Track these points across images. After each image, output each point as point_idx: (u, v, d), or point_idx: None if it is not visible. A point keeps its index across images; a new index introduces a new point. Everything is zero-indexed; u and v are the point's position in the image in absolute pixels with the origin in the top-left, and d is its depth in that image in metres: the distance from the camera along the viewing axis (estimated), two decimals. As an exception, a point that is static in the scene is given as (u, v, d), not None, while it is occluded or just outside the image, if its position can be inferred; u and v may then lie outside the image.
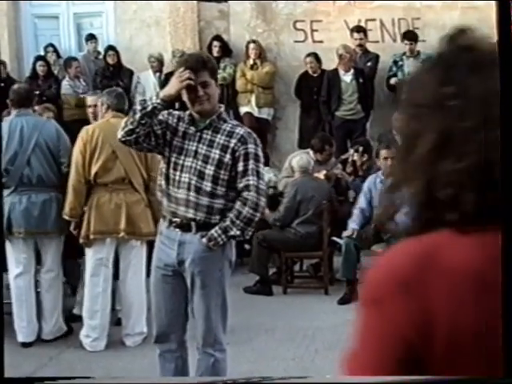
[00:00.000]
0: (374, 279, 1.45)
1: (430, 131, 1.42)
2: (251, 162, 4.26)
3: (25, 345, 6.18)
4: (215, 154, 4.25)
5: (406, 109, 1.51)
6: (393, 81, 10.41)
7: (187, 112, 4.34)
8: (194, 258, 4.27)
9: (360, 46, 10.73)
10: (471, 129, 1.39)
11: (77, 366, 5.76)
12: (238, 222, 4.23)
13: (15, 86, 6.68)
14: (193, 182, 4.25)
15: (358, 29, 10.83)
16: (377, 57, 10.72)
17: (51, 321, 6.29)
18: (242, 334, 6.40)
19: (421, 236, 1.44)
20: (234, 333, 6.45)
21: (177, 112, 4.39)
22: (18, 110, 6.26)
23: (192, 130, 4.31)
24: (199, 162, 4.26)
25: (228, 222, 4.23)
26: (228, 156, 4.24)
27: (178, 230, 4.30)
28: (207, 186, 4.23)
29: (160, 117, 4.25)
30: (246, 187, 4.23)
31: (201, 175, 4.24)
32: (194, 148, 4.28)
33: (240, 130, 4.37)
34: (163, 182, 4.36)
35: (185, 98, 4.27)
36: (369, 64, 10.66)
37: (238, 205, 4.24)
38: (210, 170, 4.24)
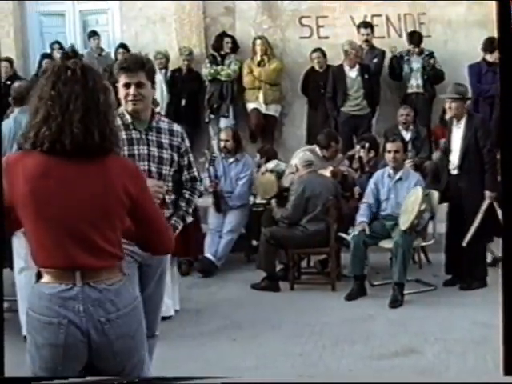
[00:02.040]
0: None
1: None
2: (190, 155, 4.61)
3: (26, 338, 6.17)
4: (167, 154, 4.40)
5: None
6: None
7: (119, 121, 4.33)
8: None
9: (366, 41, 10.71)
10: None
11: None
12: (190, 209, 4.59)
13: (16, 84, 6.68)
14: None
15: (365, 24, 10.81)
16: (383, 53, 10.71)
17: None
18: (249, 330, 6.41)
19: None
20: (241, 328, 6.48)
21: None
22: (21, 108, 6.25)
23: (137, 134, 4.35)
24: (155, 164, 4.37)
25: (183, 211, 4.54)
26: (175, 154, 4.45)
27: None
28: (166, 185, 4.41)
29: None
30: (194, 178, 4.59)
31: (160, 176, 4.38)
32: (146, 152, 4.35)
33: (177, 127, 4.53)
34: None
35: (120, 95, 4.32)
36: (375, 60, 10.64)
37: (188, 194, 4.58)
38: (166, 170, 4.41)
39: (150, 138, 4.36)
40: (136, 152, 4.31)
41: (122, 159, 3.12)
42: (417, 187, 7.41)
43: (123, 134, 4.26)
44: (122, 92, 4.28)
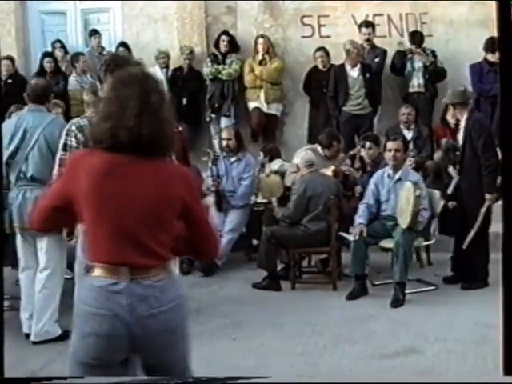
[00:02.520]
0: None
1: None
2: None
3: (28, 336, 6.20)
4: None
5: None
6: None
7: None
8: None
9: (368, 40, 10.71)
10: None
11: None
12: None
13: (33, 81, 6.71)
14: None
15: (367, 24, 10.81)
16: (384, 52, 10.70)
17: (40, 322, 6.13)
18: (249, 329, 6.40)
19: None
20: (241, 328, 6.47)
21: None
22: (30, 106, 6.27)
23: None
24: None
25: None
26: None
27: None
28: None
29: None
30: None
31: None
32: None
33: None
34: None
35: None
36: (377, 59, 10.64)
37: None
38: None
39: None
40: None
41: (176, 165, 3.46)
42: (405, 183, 7.36)
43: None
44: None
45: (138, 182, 3.07)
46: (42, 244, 6.17)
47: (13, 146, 6.10)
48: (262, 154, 9.48)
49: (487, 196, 7.24)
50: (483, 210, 7.27)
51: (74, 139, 4.80)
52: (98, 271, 3.10)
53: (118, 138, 3.05)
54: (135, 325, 3.06)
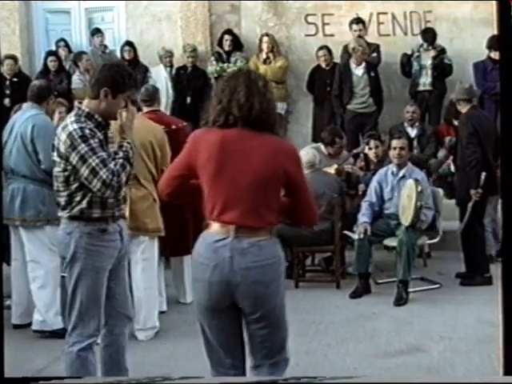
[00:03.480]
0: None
1: None
2: None
3: (15, 326, 6.34)
4: None
5: None
6: None
7: (88, 121, 4.31)
8: None
9: (359, 37, 10.70)
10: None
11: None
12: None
13: (33, 82, 6.91)
14: None
15: (357, 20, 10.83)
16: (378, 46, 10.71)
17: (37, 314, 6.25)
18: (253, 328, 6.39)
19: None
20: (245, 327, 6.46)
21: (86, 128, 4.30)
22: (27, 105, 6.41)
23: (103, 134, 4.37)
24: None
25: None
26: None
27: None
28: None
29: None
30: None
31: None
32: (113, 149, 4.37)
33: None
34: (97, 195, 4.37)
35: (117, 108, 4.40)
36: (374, 54, 10.65)
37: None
38: None
39: (115, 148, 4.42)
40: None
41: (280, 140, 3.80)
42: (408, 181, 7.37)
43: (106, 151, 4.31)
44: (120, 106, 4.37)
45: (249, 154, 3.56)
46: (29, 236, 6.24)
47: (3, 141, 6.24)
48: None
49: (471, 191, 7.29)
50: (470, 204, 7.33)
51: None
52: (211, 228, 3.65)
53: (230, 115, 3.56)
54: (234, 275, 3.58)
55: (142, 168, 6.03)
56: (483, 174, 7.21)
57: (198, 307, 3.76)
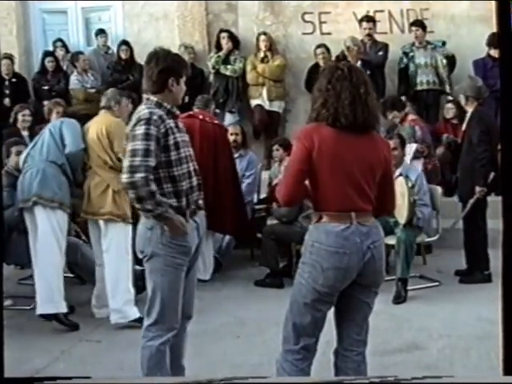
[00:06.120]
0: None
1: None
2: None
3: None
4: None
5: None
6: None
7: (158, 108, 4.35)
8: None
9: (369, 35, 10.71)
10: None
11: (88, 359, 5.75)
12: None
13: None
14: (195, 168, 4.50)
15: (368, 18, 10.81)
16: (386, 45, 10.70)
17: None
18: (253, 327, 6.41)
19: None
20: (245, 325, 6.48)
21: (156, 113, 4.33)
22: None
23: (182, 136, 4.41)
24: (190, 148, 4.50)
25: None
26: None
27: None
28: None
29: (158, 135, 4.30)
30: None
31: (196, 173, 4.51)
32: (184, 138, 4.43)
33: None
34: (169, 184, 4.35)
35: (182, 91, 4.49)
36: (380, 53, 10.64)
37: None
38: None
39: (177, 124, 4.44)
40: (179, 139, 4.37)
41: (380, 136, 4.26)
42: (398, 179, 7.36)
43: (169, 124, 4.33)
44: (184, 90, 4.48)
45: (359, 148, 3.90)
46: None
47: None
48: (280, 148, 8.97)
49: (477, 188, 7.29)
50: (471, 201, 7.33)
51: (155, 128, 4.36)
52: (326, 218, 3.91)
53: (337, 122, 3.87)
54: (365, 255, 3.90)
55: (95, 157, 6.47)
56: (492, 174, 7.22)
57: (313, 292, 3.96)
